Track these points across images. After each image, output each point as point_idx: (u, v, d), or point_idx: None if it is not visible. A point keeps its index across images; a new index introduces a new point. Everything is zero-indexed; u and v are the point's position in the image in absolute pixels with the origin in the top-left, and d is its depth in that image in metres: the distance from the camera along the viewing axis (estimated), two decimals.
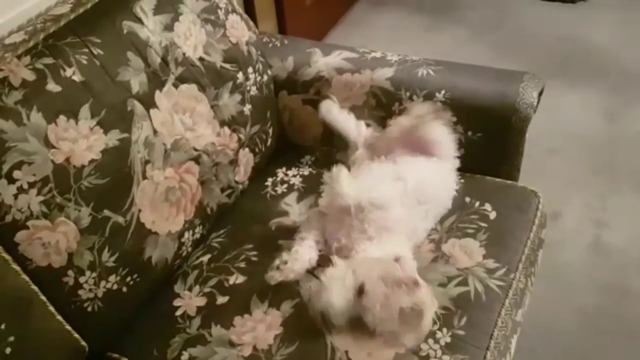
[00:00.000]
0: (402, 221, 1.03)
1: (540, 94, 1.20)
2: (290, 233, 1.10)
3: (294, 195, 1.23)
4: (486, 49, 2.31)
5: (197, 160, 1.12)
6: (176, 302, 1.05)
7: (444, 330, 0.94)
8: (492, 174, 1.23)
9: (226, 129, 1.19)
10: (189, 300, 1.05)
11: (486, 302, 0.99)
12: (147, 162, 1.03)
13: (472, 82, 1.22)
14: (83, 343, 0.97)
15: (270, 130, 1.31)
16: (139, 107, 1.03)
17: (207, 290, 1.06)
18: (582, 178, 1.81)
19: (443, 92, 1.21)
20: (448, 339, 0.93)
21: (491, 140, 1.21)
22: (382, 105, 1.26)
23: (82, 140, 0.94)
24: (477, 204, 1.15)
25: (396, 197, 1.03)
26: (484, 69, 1.27)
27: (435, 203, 1.10)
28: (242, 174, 1.24)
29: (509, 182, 1.22)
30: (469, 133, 1.21)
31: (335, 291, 0.91)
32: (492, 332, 0.96)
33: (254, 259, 1.09)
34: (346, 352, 0.93)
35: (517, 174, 1.24)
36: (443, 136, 1.15)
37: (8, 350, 0.83)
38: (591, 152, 1.89)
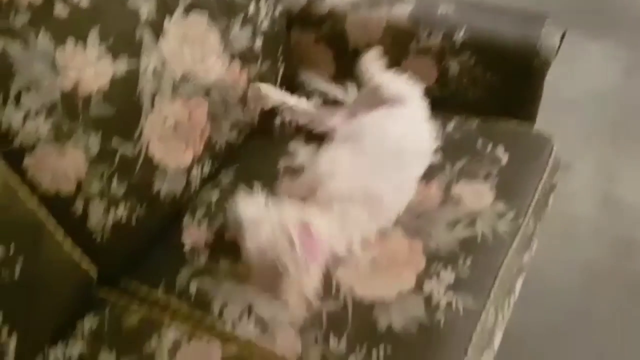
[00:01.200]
0: (354, 188, 0.94)
1: (562, 38, 1.16)
2: (297, 174, 1.09)
3: (302, 137, 1.21)
4: None
5: (206, 94, 1.10)
6: (184, 236, 1.06)
7: (449, 270, 0.94)
8: (508, 118, 1.20)
9: (236, 64, 1.17)
10: (197, 234, 1.06)
11: (493, 245, 0.98)
12: (155, 93, 1.01)
13: (493, 22, 1.19)
14: (92, 271, 0.98)
15: (281, 68, 1.29)
16: (147, 36, 1.00)
17: (215, 226, 1.05)
18: (596, 131, 1.78)
19: (463, 31, 1.17)
20: (452, 279, 0.93)
21: (510, 83, 1.17)
22: (398, 45, 1.22)
23: (90, 67, 0.92)
24: (490, 147, 1.12)
25: (343, 163, 0.96)
26: (505, 10, 1.23)
27: (407, 155, 1.01)
28: (251, 112, 1.23)
29: (523, 126, 1.19)
30: (488, 74, 1.18)
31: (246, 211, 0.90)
32: (497, 274, 0.96)
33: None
34: (350, 288, 0.94)
35: (534, 120, 1.21)
36: (400, 87, 1.09)
37: (17, 272, 0.84)
38: (607, 106, 1.85)
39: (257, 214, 0.90)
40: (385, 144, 1.00)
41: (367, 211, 0.95)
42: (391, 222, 0.99)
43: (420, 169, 1.05)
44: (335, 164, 0.98)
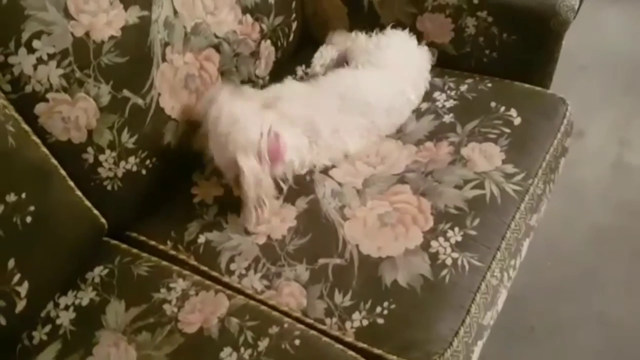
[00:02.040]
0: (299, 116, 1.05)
1: None
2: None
3: None
4: None
5: (217, 48, 1.09)
6: (194, 190, 1.07)
7: (456, 229, 0.94)
8: (524, 80, 1.18)
9: (248, 17, 1.15)
10: (206, 189, 1.06)
11: (501, 205, 0.98)
12: (166, 44, 1.00)
13: None
14: (102, 220, 0.99)
15: (294, 24, 1.26)
16: None
17: (224, 181, 1.06)
18: (610, 97, 1.76)
19: None
20: (459, 238, 0.94)
21: (526, 44, 1.15)
22: (414, 1, 1.20)
23: (102, 14, 0.91)
24: (503, 109, 1.11)
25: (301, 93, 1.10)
26: None
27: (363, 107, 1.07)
28: (262, 68, 1.21)
29: (537, 88, 1.17)
30: (504, 35, 1.15)
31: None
32: (505, 234, 0.96)
33: None
34: (357, 245, 0.95)
35: (549, 82, 1.19)
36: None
37: (29, 219, 0.85)
38: (622, 71, 1.81)
39: (237, 107, 1.00)
40: (340, 89, 1.09)
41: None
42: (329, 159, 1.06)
43: (382, 125, 1.10)
44: (293, 91, 1.12)
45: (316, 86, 1.12)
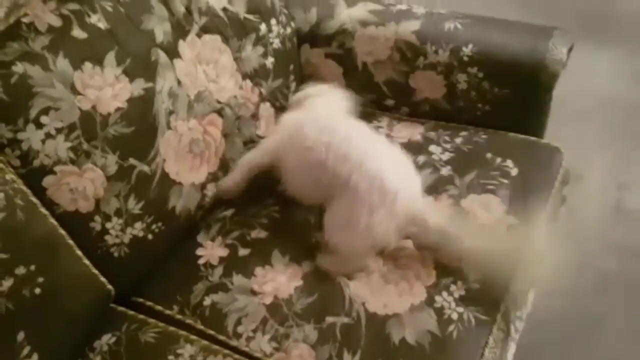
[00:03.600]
0: None
1: (569, 50, 1.17)
2: None
3: None
4: (513, 6, 2.23)
5: (220, 112, 1.13)
6: (199, 252, 1.07)
7: (459, 283, 0.95)
8: (517, 131, 1.21)
9: (248, 82, 1.19)
10: (211, 250, 1.07)
11: None
12: (171, 112, 1.04)
13: (500, 37, 1.20)
14: (109, 287, 1.00)
15: (293, 85, 1.31)
16: (163, 57, 1.03)
17: (229, 241, 1.07)
18: (606, 141, 1.78)
19: (470, 46, 1.19)
20: (463, 292, 0.94)
21: (518, 97, 1.19)
22: (406, 60, 1.24)
23: (107, 88, 0.95)
24: (499, 160, 1.13)
25: None
26: (513, 24, 1.25)
27: None
28: (263, 128, 1.24)
29: (532, 138, 1.20)
30: (496, 89, 1.19)
31: None
32: (508, 286, 0.96)
33: (276, 215, 1.10)
34: (363, 303, 0.95)
35: (543, 132, 1.22)
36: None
37: (38, 290, 0.86)
38: (617, 115, 1.85)
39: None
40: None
41: None
42: None
43: None
44: None
45: None
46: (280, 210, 1.11)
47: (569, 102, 1.79)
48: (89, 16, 0.94)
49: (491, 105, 1.21)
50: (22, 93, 0.87)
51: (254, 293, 0.98)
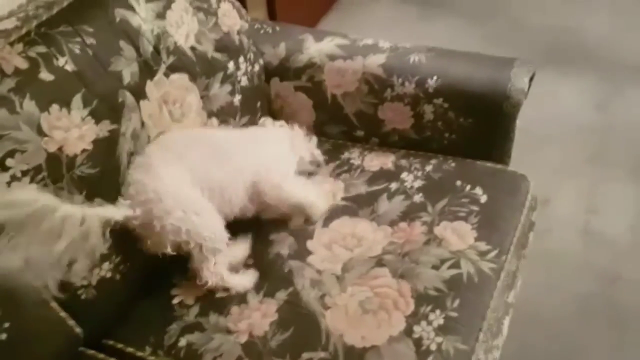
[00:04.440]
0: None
1: (531, 79, 1.21)
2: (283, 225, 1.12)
3: None
4: (477, 39, 2.32)
5: None
6: (174, 291, 1.05)
7: (437, 312, 0.95)
8: (483, 159, 1.23)
9: (214, 120, 1.20)
10: (187, 288, 1.05)
11: (478, 284, 0.99)
12: (132, 154, 1.03)
13: (463, 69, 1.23)
14: (78, 330, 0.97)
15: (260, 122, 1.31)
16: (129, 98, 1.03)
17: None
18: (572, 166, 1.82)
19: (435, 78, 1.22)
20: (441, 321, 0.94)
21: (482, 126, 1.22)
22: (374, 92, 1.27)
23: (74, 130, 0.94)
24: (468, 187, 1.16)
25: None
26: (475, 56, 1.28)
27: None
28: None
29: (499, 166, 1.23)
30: (461, 119, 1.22)
31: None
32: (485, 314, 0.97)
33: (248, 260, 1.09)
34: (340, 335, 0.94)
35: (508, 160, 1.25)
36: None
37: (3, 336, 0.83)
38: (582, 141, 1.90)
39: None
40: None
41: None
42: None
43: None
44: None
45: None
46: (254, 245, 1.10)
47: (534, 130, 1.85)
48: (57, 59, 0.94)
49: (457, 134, 1.23)
50: None
51: (229, 332, 0.97)
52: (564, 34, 2.34)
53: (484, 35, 2.35)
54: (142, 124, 1.05)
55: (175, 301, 1.04)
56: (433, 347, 0.91)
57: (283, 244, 1.10)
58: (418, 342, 0.91)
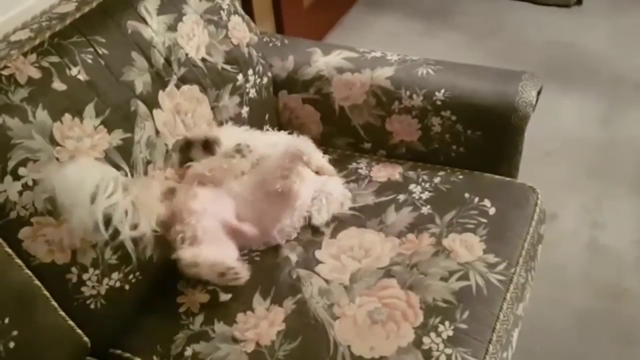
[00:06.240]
0: None
1: (539, 93, 1.22)
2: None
3: None
4: (481, 54, 2.33)
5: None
6: (179, 299, 1.05)
7: (447, 324, 0.95)
8: (491, 172, 1.24)
9: None
10: (192, 297, 1.05)
11: (488, 296, 0.99)
12: (148, 162, 1.04)
13: (471, 82, 1.24)
14: (85, 339, 0.97)
15: None
16: (142, 108, 1.04)
17: (210, 287, 1.05)
18: (577, 181, 1.83)
19: (443, 91, 1.23)
20: (450, 333, 0.94)
21: (490, 139, 1.22)
22: (382, 104, 1.28)
23: (86, 139, 0.95)
24: (477, 199, 1.16)
25: None
26: (483, 69, 1.29)
27: None
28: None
29: (507, 179, 1.23)
30: (469, 132, 1.22)
31: None
32: (494, 326, 0.97)
33: (256, 258, 1.10)
34: (349, 346, 0.93)
35: (516, 173, 1.25)
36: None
37: (12, 344, 0.83)
38: (586, 156, 1.90)
39: None
40: None
41: None
42: None
43: None
44: None
45: None
46: (261, 253, 1.10)
47: (538, 145, 1.86)
48: (70, 68, 0.96)
49: (465, 147, 1.24)
50: (1, 145, 0.86)
51: (235, 341, 0.97)
52: (567, 50, 2.36)
53: (487, 51, 2.37)
54: (157, 132, 1.06)
55: (181, 309, 1.03)
56: (442, 358, 0.90)
57: (292, 250, 1.10)
58: (427, 354, 0.91)
